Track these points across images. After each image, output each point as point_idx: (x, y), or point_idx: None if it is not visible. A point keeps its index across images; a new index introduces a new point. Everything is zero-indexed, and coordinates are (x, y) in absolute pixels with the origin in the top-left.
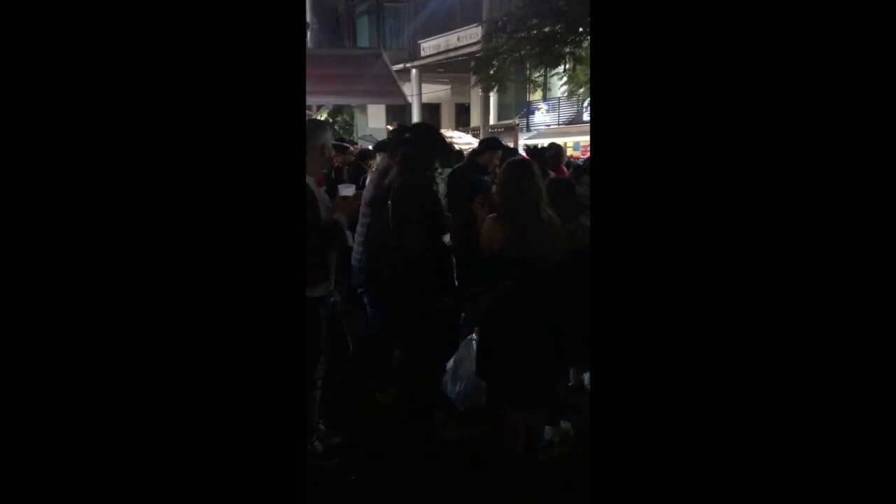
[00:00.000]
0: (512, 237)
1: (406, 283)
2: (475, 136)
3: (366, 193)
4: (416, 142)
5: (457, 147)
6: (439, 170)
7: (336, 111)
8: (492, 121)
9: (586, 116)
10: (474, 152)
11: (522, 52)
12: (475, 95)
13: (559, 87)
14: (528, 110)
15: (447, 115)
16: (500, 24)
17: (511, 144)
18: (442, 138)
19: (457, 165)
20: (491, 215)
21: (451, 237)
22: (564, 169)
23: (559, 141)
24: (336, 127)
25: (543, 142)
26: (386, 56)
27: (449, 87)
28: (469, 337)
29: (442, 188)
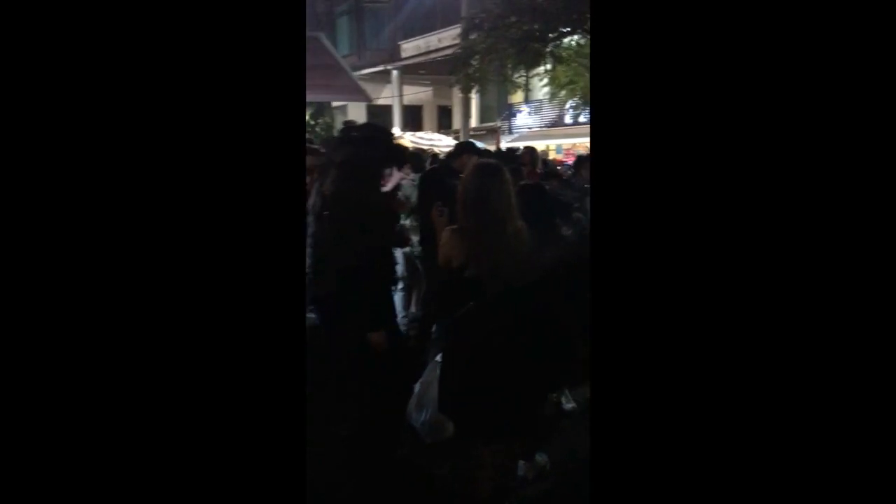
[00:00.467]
0: (473, 254)
1: (339, 308)
2: (456, 138)
3: (310, 200)
4: (360, 144)
5: (436, 150)
6: (412, 175)
7: (318, 113)
8: (474, 123)
9: (568, 119)
10: (449, 155)
11: (500, 51)
12: (457, 97)
13: (540, 88)
14: (510, 112)
15: (429, 117)
16: (477, 21)
17: (493, 147)
18: (391, 141)
19: (429, 168)
20: (450, 227)
21: (420, 247)
22: (537, 173)
23: (541, 143)
24: (317, 129)
25: (526, 144)
26: (328, 41)
27: (431, 88)
28: (437, 359)
29: (415, 194)
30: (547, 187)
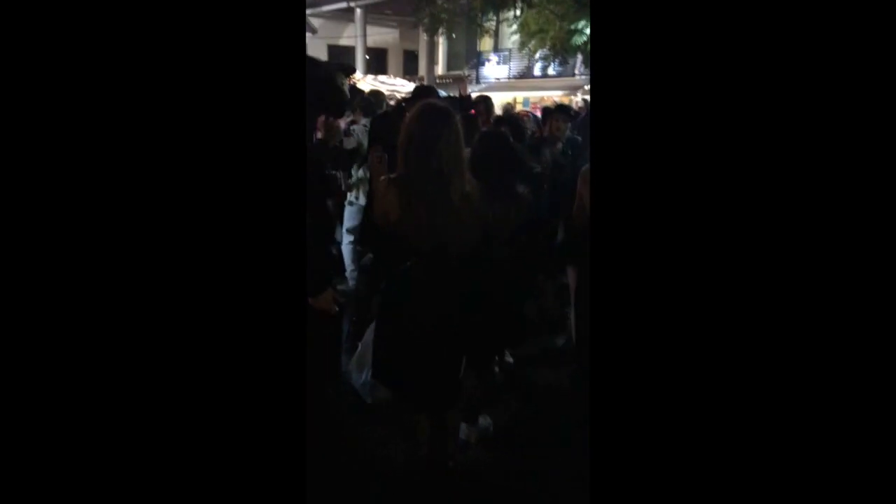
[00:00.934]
0: (411, 209)
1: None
2: (420, 85)
3: None
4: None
5: (397, 96)
6: (364, 120)
7: None
8: (440, 70)
9: (537, 71)
10: (405, 100)
11: None
12: (424, 42)
13: (510, 36)
14: (479, 61)
15: (394, 61)
16: None
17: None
18: (327, 81)
19: (381, 112)
20: (387, 176)
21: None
22: (490, 124)
23: (509, 95)
24: None
25: (492, 96)
26: None
27: (397, 31)
28: None
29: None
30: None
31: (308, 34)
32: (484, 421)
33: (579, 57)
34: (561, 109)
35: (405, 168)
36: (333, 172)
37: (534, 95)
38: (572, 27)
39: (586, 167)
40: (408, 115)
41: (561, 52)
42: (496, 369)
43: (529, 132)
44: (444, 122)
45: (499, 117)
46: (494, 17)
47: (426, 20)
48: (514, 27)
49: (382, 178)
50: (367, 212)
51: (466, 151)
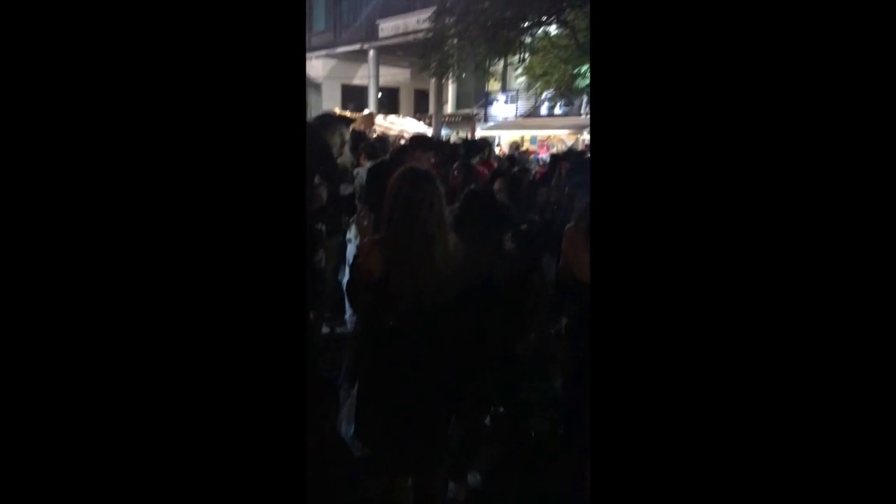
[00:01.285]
0: (394, 270)
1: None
2: (428, 124)
3: None
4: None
5: (405, 136)
6: (368, 164)
7: None
8: (450, 109)
9: (544, 110)
10: (401, 149)
11: (472, 38)
12: (433, 82)
13: (516, 78)
14: (487, 101)
15: (405, 100)
16: (448, 5)
17: (468, 135)
18: (322, 144)
19: (381, 159)
20: (371, 238)
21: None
22: (494, 163)
23: (517, 134)
24: None
25: (501, 134)
26: None
27: (408, 70)
28: None
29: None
30: (497, 196)
31: (312, 90)
32: (473, 479)
33: (585, 97)
34: (569, 156)
35: (389, 229)
36: (319, 227)
37: (541, 134)
38: (576, 71)
39: (570, 225)
40: (391, 178)
41: (566, 93)
42: (486, 422)
43: (533, 173)
44: (426, 187)
45: (496, 173)
46: (498, 62)
47: (433, 65)
48: (520, 70)
49: (367, 238)
50: (351, 270)
51: (454, 207)
